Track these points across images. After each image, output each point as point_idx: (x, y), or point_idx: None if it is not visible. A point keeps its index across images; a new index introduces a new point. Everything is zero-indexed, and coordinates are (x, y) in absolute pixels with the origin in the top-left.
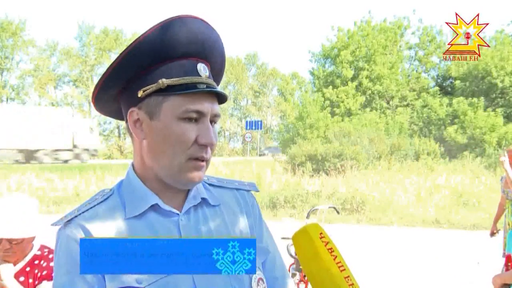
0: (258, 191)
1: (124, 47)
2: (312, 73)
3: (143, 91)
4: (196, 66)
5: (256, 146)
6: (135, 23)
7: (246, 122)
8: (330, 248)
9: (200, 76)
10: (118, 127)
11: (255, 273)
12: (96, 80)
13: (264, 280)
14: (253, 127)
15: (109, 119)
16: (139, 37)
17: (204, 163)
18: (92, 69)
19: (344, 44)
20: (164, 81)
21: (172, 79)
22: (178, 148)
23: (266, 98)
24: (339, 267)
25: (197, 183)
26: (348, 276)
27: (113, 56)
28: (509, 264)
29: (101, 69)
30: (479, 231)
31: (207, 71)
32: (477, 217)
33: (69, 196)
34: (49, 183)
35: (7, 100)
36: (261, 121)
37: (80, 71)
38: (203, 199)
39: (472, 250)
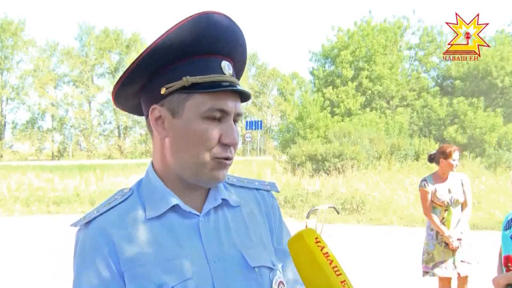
0: (278, 191)
1: (124, 45)
2: (312, 73)
3: (166, 88)
4: (220, 64)
5: (256, 146)
6: (135, 23)
7: (246, 122)
8: (326, 253)
9: (224, 74)
10: (118, 127)
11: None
12: (96, 80)
13: (285, 283)
14: (253, 127)
15: (109, 119)
16: (165, 32)
17: (228, 162)
18: (92, 69)
19: (344, 44)
20: (188, 79)
21: (197, 77)
22: (202, 147)
23: (266, 98)
24: (335, 271)
25: (220, 181)
26: (344, 281)
27: (113, 56)
28: (509, 265)
29: (101, 69)
30: (479, 231)
31: (231, 69)
32: (477, 217)
33: (69, 196)
34: (49, 183)
35: (7, 100)
36: (261, 121)
37: (80, 71)
38: (224, 200)
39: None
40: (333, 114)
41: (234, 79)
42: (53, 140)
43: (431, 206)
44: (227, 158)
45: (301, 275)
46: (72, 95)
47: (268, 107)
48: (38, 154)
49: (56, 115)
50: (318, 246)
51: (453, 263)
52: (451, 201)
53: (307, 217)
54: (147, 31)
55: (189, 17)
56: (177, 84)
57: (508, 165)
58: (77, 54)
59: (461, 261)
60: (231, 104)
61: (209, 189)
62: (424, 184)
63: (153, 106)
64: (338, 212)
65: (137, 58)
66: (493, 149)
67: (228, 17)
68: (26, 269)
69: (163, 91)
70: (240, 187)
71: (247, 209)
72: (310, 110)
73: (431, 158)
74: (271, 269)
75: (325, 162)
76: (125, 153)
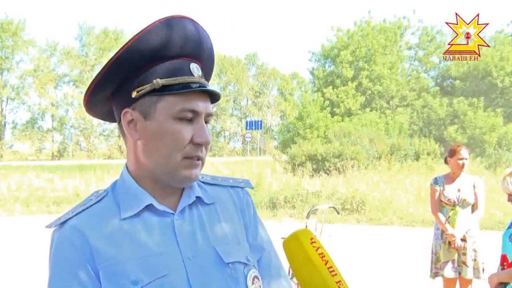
0: (252, 188)
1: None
2: (312, 73)
3: (137, 92)
4: (189, 66)
5: (256, 146)
6: (135, 23)
7: (246, 122)
8: (321, 253)
9: (193, 75)
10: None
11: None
12: None
13: (260, 278)
14: (253, 127)
15: None
16: (132, 38)
17: (199, 162)
18: (92, 69)
19: (344, 44)
20: (159, 81)
21: (166, 79)
22: (174, 147)
23: (266, 98)
24: (330, 272)
25: (193, 180)
26: (340, 281)
27: None
28: (505, 263)
29: None
30: (479, 231)
31: (200, 70)
32: None
33: (69, 196)
34: (49, 183)
35: (7, 100)
36: (261, 121)
37: (80, 71)
38: (198, 197)
39: None
40: (333, 114)
41: (203, 81)
42: (53, 140)
43: (439, 205)
44: (198, 158)
45: (296, 275)
46: (72, 95)
47: (268, 107)
48: (38, 154)
49: (56, 115)
50: (313, 246)
51: (457, 263)
52: (458, 200)
53: (307, 217)
54: None
55: (157, 21)
56: (148, 87)
57: (508, 165)
58: (77, 54)
59: (463, 262)
60: (201, 105)
61: (183, 188)
62: (434, 182)
63: (124, 110)
64: (338, 212)
65: (106, 64)
66: (493, 149)
67: (194, 21)
68: (26, 269)
69: (134, 94)
70: (214, 185)
71: (222, 206)
72: (310, 110)
73: (445, 159)
74: (245, 264)
75: (325, 162)
76: (125, 153)
